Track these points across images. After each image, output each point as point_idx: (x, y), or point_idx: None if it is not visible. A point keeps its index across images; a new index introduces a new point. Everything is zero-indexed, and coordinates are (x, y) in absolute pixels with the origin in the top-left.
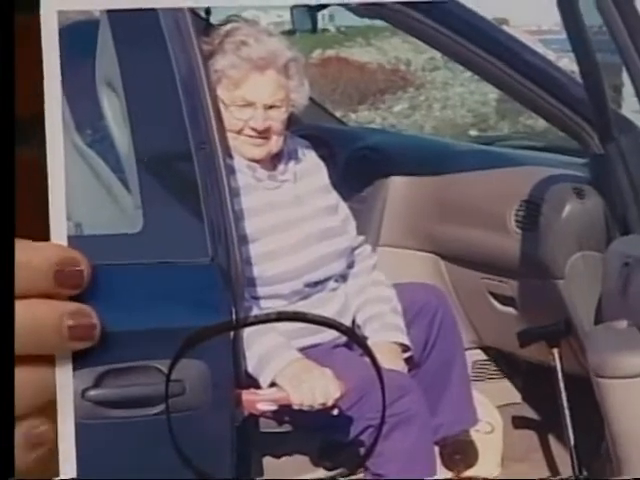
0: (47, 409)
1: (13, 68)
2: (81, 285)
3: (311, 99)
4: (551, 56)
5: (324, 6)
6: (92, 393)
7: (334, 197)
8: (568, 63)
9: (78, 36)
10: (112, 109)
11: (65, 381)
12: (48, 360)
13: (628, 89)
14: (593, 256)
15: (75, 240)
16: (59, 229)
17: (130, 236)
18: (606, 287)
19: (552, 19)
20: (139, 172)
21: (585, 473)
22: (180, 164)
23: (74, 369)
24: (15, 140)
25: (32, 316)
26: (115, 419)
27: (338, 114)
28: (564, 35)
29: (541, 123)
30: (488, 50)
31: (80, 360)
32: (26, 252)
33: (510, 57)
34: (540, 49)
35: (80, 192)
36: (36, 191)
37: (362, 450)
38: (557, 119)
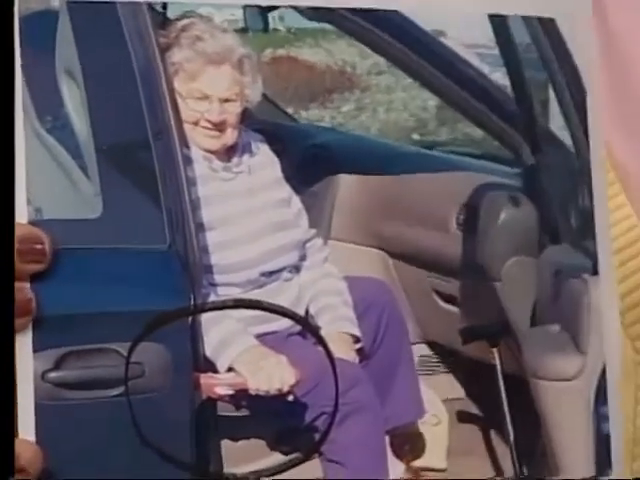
0: None
1: (13, 67)
2: (43, 262)
3: (264, 95)
4: (485, 69)
5: (275, 7)
6: (52, 375)
7: (287, 190)
8: (501, 77)
9: (38, 25)
10: (72, 97)
11: (25, 363)
12: None
13: (554, 106)
14: (528, 261)
15: (35, 224)
16: (19, 213)
17: (89, 221)
18: (540, 292)
19: (486, 35)
20: (98, 159)
21: (525, 469)
22: (138, 153)
23: (34, 351)
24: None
25: None
26: (75, 400)
27: (289, 111)
28: (497, 50)
29: (478, 132)
30: (427, 59)
31: (40, 342)
32: None
33: (447, 67)
34: (476, 62)
35: (40, 177)
36: None
37: (316, 436)
38: (491, 129)
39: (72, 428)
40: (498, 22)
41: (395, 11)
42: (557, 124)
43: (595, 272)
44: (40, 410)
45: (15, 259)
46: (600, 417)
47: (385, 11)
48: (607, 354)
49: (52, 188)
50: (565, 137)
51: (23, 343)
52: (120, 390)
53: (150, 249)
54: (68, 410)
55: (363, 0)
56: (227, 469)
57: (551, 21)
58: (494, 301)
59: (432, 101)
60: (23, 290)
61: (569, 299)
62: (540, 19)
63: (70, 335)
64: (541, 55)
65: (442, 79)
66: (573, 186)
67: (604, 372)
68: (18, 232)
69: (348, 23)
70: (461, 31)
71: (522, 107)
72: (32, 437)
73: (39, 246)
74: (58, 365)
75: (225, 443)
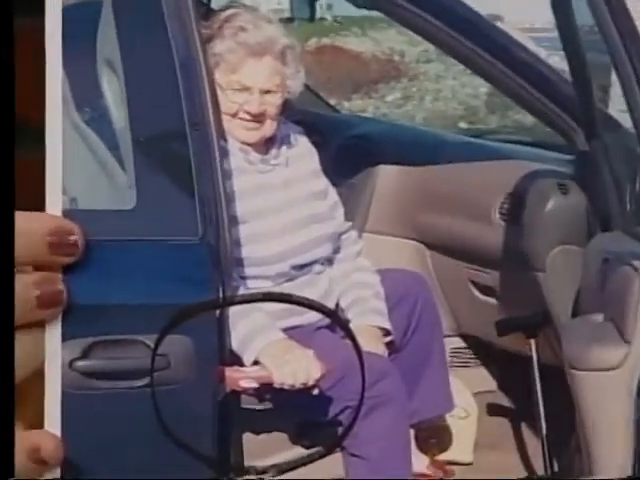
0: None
1: (13, 68)
2: (75, 254)
3: (306, 86)
4: (542, 53)
5: None
6: (80, 364)
7: (324, 183)
8: (558, 61)
9: (81, 15)
10: (111, 88)
11: (54, 351)
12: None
13: (616, 89)
14: (574, 250)
15: (69, 214)
16: (54, 202)
17: (123, 213)
18: (585, 281)
19: (545, 17)
20: (134, 151)
21: (556, 464)
22: (175, 144)
23: (63, 340)
24: (15, 134)
25: None
26: (101, 390)
27: (332, 102)
28: (556, 33)
29: (529, 118)
30: (481, 45)
31: (69, 331)
32: (21, 220)
33: (501, 53)
34: (532, 46)
35: (76, 168)
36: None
37: (339, 430)
38: (545, 115)
39: (96, 418)
40: (559, 4)
41: None
42: (617, 107)
43: None
44: (66, 398)
45: (46, 251)
46: None
47: None
48: None
49: (87, 179)
50: (625, 119)
51: (53, 331)
52: (145, 381)
53: (182, 241)
54: (93, 400)
55: None
56: (248, 462)
57: None
58: (535, 292)
59: (483, 88)
60: (55, 281)
61: (617, 287)
62: None
63: (99, 325)
64: (605, 37)
65: (496, 65)
66: (631, 169)
67: None
68: (50, 224)
69: (399, 10)
70: (519, 15)
71: (580, 91)
72: (58, 426)
73: (71, 238)
74: (86, 354)
75: (247, 436)
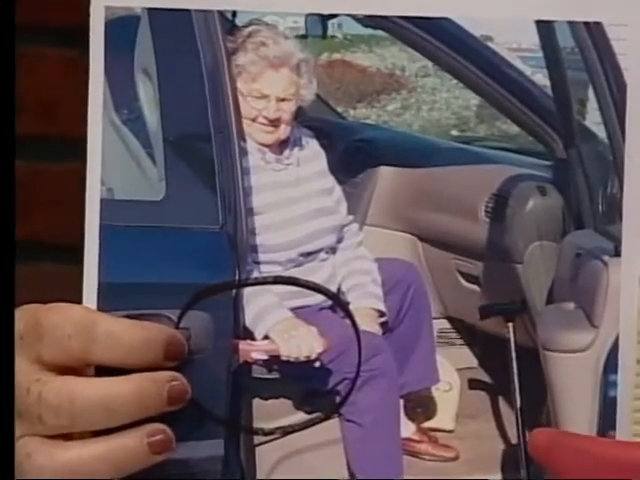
0: None
1: (14, 73)
2: (184, 358)
3: (317, 95)
4: (527, 71)
5: (334, 15)
6: None
7: (330, 181)
8: (542, 78)
9: (121, 29)
10: (146, 93)
11: None
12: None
13: (592, 103)
14: (550, 246)
15: (107, 202)
16: (94, 192)
17: (153, 203)
18: (559, 273)
19: (531, 39)
20: (165, 149)
21: (528, 434)
22: (200, 144)
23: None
24: (15, 153)
25: (139, 389)
26: None
27: (339, 109)
28: (540, 53)
29: (514, 128)
30: (473, 62)
31: (105, 305)
32: (139, 329)
33: (492, 69)
34: (519, 64)
35: (113, 162)
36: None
37: (338, 399)
38: (528, 125)
39: None
40: (544, 28)
41: (446, 18)
42: (593, 120)
43: (616, 254)
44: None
45: (162, 358)
46: (608, 383)
47: (437, 18)
48: (623, 326)
49: (123, 172)
50: (600, 131)
51: (89, 305)
52: None
53: (204, 229)
54: None
55: (417, 8)
56: (256, 424)
57: (597, 24)
58: (514, 281)
59: (474, 100)
60: (182, 379)
61: (587, 278)
62: (586, 23)
63: (130, 300)
64: (584, 57)
65: (486, 80)
66: (603, 175)
67: (616, 343)
68: (167, 334)
69: (401, 30)
70: (508, 36)
71: (560, 105)
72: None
73: (184, 348)
74: None
75: (256, 401)
